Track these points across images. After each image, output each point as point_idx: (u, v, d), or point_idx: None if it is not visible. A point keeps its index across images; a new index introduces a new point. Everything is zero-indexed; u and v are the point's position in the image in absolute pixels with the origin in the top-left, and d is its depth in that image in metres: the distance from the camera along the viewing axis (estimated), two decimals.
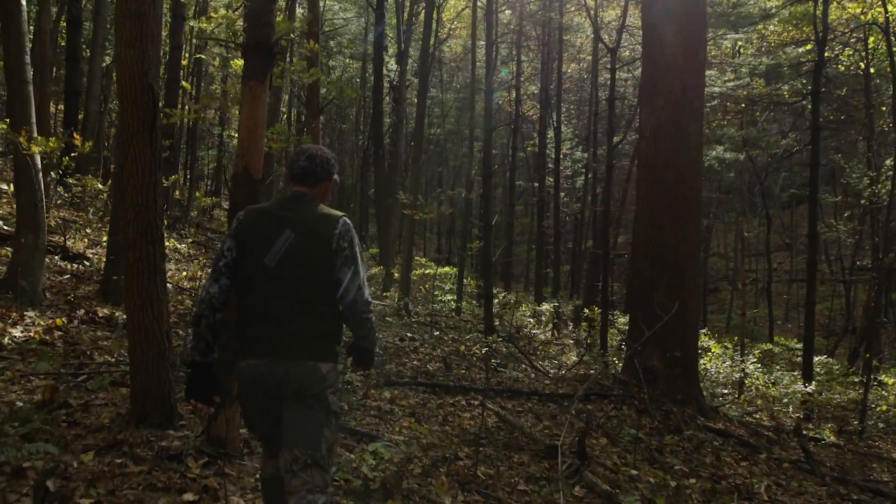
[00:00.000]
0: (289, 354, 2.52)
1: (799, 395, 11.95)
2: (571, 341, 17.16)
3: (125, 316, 4.93)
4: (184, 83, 8.78)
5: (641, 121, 8.34)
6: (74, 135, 7.13)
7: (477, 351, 8.80)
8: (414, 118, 20.55)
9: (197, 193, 22.79)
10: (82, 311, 6.13)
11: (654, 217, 8.03)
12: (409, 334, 9.49)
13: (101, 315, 6.11)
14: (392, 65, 22.39)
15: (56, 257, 8.32)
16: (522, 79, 23.33)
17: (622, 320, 17.77)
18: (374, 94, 21.20)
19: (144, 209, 4.17)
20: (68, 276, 7.22)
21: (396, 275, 16.51)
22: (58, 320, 5.60)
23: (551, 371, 9.40)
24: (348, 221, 2.66)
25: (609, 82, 22.50)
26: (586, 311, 17.25)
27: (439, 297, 17.68)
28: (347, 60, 25.92)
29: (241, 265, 2.60)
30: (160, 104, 4.25)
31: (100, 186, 13.02)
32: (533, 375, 8.61)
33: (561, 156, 20.55)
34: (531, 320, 18.25)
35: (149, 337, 4.20)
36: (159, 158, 4.22)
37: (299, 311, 2.53)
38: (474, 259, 25.04)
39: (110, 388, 4.65)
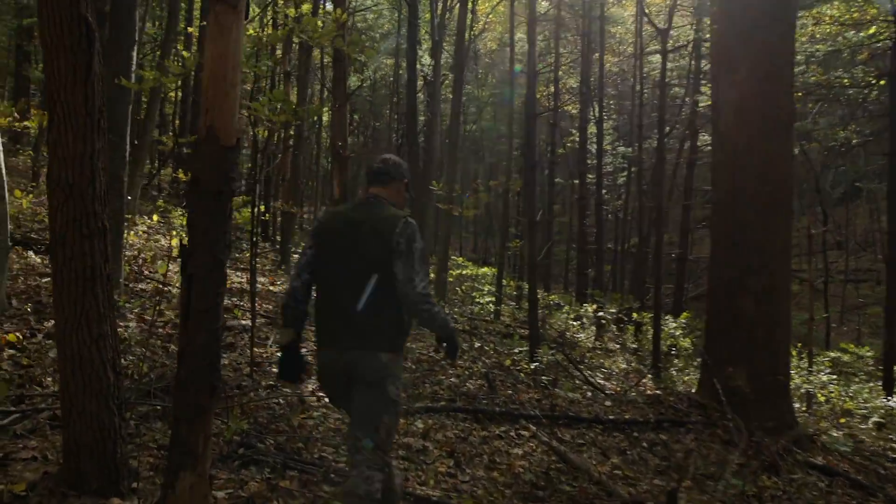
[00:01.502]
0: (353, 344, 2.67)
1: (881, 411, 10.31)
2: (617, 346, 15.66)
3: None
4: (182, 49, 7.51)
5: (717, 96, 6.87)
6: (30, 104, 5.93)
7: (525, 365, 7.40)
8: (449, 115, 19.25)
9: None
10: (51, 322, 4.93)
11: (736, 210, 6.55)
12: (445, 344, 8.14)
13: None
14: (426, 59, 21.10)
15: (41, 256, 7.19)
16: (560, 73, 21.89)
17: (672, 325, 16.23)
18: (407, 89, 19.89)
19: (77, 190, 2.90)
20: (48, 278, 6.03)
21: (432, 275, 15.22)
22: (11, 335, 4.39)
23: (608, 387, 7.98)
24: (411, 221, 2.74)
25: (654, 70, 20.89)
26: (635, 314, 15.73)
27: (477, 299, 16.34)
28: (382, 58, 24.73)
29: (319, 262, 2.79)
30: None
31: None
32: (589, 394, 7.20)
33: (603, 150, 19.01)
34: (575, 323, 16.79)
35: (85, 368, 2.93)
36: (98, 121, 2.95)
37: (366, 306, 2.65)
38: (513, 259, 23.64)
39: (50, 433, 3.40)
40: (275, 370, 5.47)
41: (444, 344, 2.91)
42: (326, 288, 2.76)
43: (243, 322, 6.58)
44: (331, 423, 4.56)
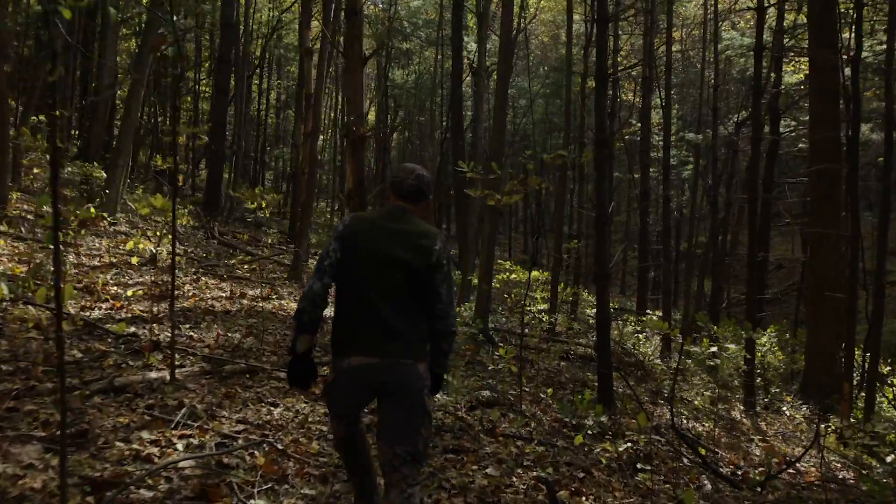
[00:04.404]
0: (394, 353, 2.44)
1: None
2: (689, 362, 12.47)
3: None
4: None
5: None
6: None
7: (609, 446, 4.40)
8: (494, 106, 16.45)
9: (250, 190, 19.45)
10: None
11: None
12: (486, 393, 5.24)
13: None
14: (471, 45, 18.31)
15: None
16: (619, 58, 18.75)
17: (762, 340, 12.93)
18: (452, 78, 17.08)
19: None
20: None
21: (475, 281, 12.36)
22: None
23: (723, 463, 4.97)
24: (444, 238, 2.61)
25: (727, 49, 17.51)
26: (715, 327, 12.51)
27: (528, 307, 13.41)
28: (424, 51, 22.00)
29: (346, 267, 2.48)
30: None
31: (104, 174, 9.54)
32: (708, 486, 4.21)
33: (670, 140, 15.78)
34: (639, 336, 13.67)
35: None
36: None
37: (402, 315, 2.46)
38: (567, 262, 20.61)
39: None
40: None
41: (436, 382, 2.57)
42: (357, 294, 2.46)
43: (153, 375, 3.85)
44: None
